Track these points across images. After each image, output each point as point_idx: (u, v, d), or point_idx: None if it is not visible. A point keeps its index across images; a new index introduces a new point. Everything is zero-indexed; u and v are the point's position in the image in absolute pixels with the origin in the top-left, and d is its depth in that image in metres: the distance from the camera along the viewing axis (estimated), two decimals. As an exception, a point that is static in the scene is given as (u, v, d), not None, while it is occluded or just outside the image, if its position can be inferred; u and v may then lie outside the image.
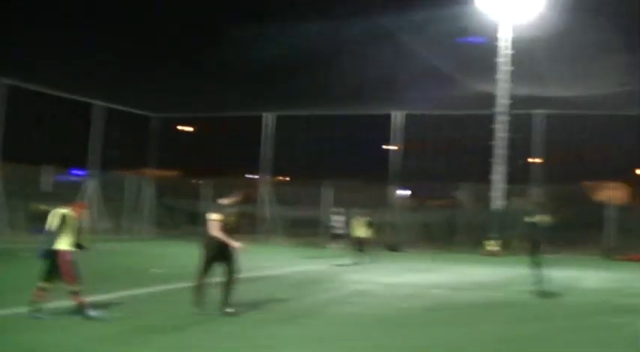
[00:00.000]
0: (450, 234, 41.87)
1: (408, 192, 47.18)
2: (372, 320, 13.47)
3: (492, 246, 38.49)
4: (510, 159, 40.53)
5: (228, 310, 12.56)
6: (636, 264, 34.34)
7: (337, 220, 33.17)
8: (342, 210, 33.28)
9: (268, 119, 45.36)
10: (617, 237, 40.12)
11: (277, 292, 16.06)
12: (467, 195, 41.52)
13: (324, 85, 47.70)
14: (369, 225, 29.20)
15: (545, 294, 18.71)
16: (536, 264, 20.44)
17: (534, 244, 21.25)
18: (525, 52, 39.43)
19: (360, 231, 28.82)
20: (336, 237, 33.06)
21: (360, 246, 28.63)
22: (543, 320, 14.14)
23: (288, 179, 52.84)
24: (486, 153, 40.44)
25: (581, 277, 24.88)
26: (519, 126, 40.85)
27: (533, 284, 19.39)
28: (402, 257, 34.89)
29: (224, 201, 13.08)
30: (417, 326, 13.01)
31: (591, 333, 12.76)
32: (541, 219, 21.12)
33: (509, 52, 39.92)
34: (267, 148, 45.38)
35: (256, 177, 47.17)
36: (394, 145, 43.11)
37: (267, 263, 24.26)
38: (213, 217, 12.68)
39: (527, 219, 21.06)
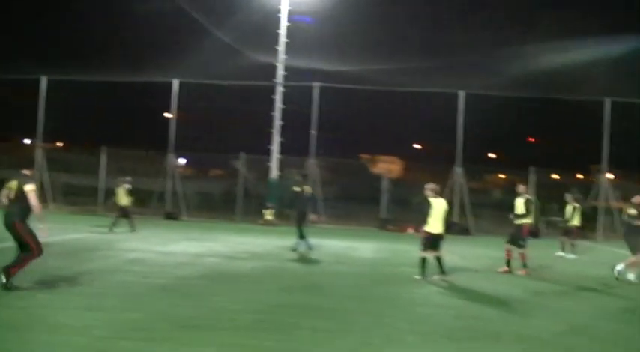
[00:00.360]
0: (229, 203, 41.84)
1: (184, 161, 46.71)
2: (144, 288, 13.25)
3: (269, 215, 38.77)
4: (289, 131, 40.80)
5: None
6: (406, 233, 35.63)
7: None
8: (130, 178, 32.39)
9: (43, 83, 43.29)
10: (391, 209, 41.37)
11: (50, 260, 15.31)
12: (246, 165, 41.47)
13: (105, 51, 46.32)
14: (130, 193, 28.58)
15: (317, 263, 19.05)
16: (301, 233, 21.03)
17: (299, 214, 21.72)
18: (304, 25, 39.85)
19: (124, 199, 28.18)
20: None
21: (124, 213, 28.02)
22: (314, 289, 14.49)
23: (61, 145, 51.06)
24: (267, 124, 40.58)
25: (357, 247, 25.47)
26: (298, 97, 41.24)
27: (301, 252, 19.93)
28: (181, 226, 34.52)
29: (27, 172, 12.55)
30: (190, 294, 12.91)
31: (367, 301, 12.99)
32: (303, 189, 21.59)
33: (287, 24, 40.14)
34: (42, 113, 43.34)
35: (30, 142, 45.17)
36: (173, 114, 42.33)
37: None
38: (33, 188, 12.22)
39: (293, 189, 21.61)
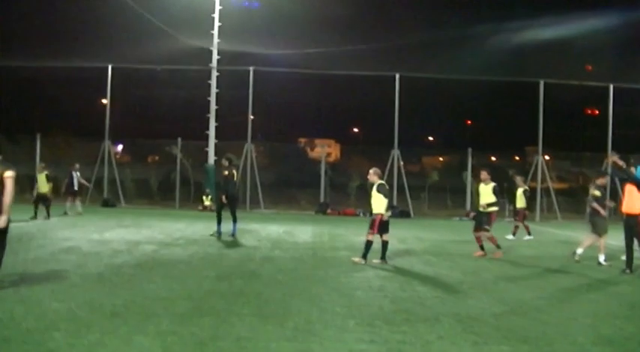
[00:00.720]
0: (167, 190, 41.54)
1: (120, 147, 46.19)
2: (78, 277, 13.01)
3: (208, 201, 38.54)
4: (226, 116, 40.58)
5: None
6: (346, 217, 35.69)
7: (75, 177, 31.62)
8: (78, 166, 31.89)
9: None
10: (330, 192, 41.46)
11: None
12: (183, 151, 41.14)
13: (36, 36, 45.51)
14: (49, 179, 28.23)
15: (255, 248, 19.04)
16: (233, 219, 21.17)
17: (230, 198, 21.73)
18: (241, 9, 39.66)
19: (45, 186, 27.81)
20: (73, 194, 31.51)
21: (45, 201, 27.65)
22: (251, 275, 14.39)
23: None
24: (204, 109, 40.24)
25: (295, 232, 25.45)
26: (235, 82, 41.02)
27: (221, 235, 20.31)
28: (118, 213, 34.11)
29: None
30: (124, 282, 12.71)
31: (305, 287, 12.92)
32: (232, 173, 21.63)
33: (219, 7, 39.81)
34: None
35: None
36: (108, 99, 41.69)
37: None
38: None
39: (224, 174, 21.69)
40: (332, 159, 59.10)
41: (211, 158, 40.07)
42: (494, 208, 19.32)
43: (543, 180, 40.63)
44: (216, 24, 39.86)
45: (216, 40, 39.99)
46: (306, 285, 13.08)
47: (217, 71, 40.20)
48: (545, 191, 41.10)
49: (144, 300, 10.93)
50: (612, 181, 29.71)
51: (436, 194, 44.50)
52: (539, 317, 10.81)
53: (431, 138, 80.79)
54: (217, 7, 39.83)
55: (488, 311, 11.00)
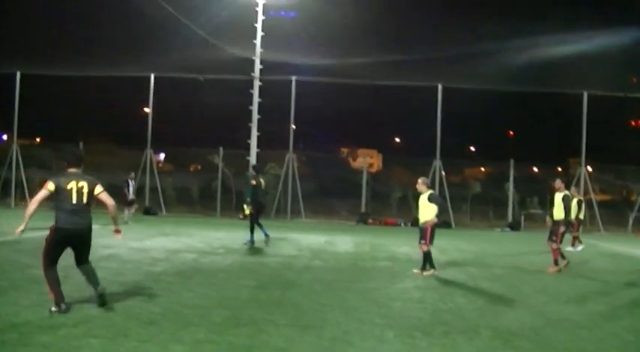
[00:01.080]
0: (208, 198, 41.69)
1: (163, 156, 46.49)
2: (117, 285, 12.97)
3: (248, 210, 38.52)
4: (268, 125, 40.62)
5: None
6: (387, 227, 35.57)
7: (132, 185, 31.81)
8: (133, 174, 32.15)
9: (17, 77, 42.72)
10: (371, 202, 41.37)
11: (21, 257, 15.02)
12: (225, 160, 41.27)
13: (80, 45, 45.94)
14: None
15: (295, 258, 18.99)
16: (258, 226, 21.16)
17: (257, 206, 21.74)
18: (281, 19, 39.75)
19: None
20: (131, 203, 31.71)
21: None
22: (290, 285, 14.34)
23: (38, 140, 50.69)
24: (246, 118, 40.32)
25: (336, 242, 25.37)
26: (277, 92, 41.10)
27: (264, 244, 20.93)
28: (159, 221, 34.28)
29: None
30: (163, 290, 12.66)
31: (343, 297, 12.86)
32: (259, 181, 21.64)
33: (262, 17, 39.90)
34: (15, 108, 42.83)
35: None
36: (151, 108, 41.95)
37: (5, 227, 22.83)
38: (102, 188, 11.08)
39: (250, 183, 21.72)
40: (374, 169, 58.96)
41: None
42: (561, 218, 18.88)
43: (586, 191, 40.19)
44: (259, 33, 39.98)
45: (258, 49, 40.11)
46: (344, 296, 12.99)
47: (260, 81, 40.31)
48: (588, 203, 40.64)
49: (181, 308, 10.94)
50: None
51: (478, 205, 44.24)
52: (580, 332, 10.63)
53: (472, 149, 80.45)
54: (260, 17, 39.98)
55: (527, 325, 10.83)
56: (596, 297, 14.34)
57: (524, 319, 11.37)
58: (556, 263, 18.50)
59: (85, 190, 10.63)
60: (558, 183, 19.33)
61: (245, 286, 13.56)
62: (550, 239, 18.76)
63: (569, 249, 25.27)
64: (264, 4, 40.14)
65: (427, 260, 16.66)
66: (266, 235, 22.17)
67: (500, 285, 15.39)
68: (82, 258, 10.88)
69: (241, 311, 10.96)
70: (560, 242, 18.97)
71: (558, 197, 18.95)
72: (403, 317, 11.18)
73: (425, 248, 16.63)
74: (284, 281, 14.48)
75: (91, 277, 10.88)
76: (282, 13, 42.26)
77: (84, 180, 10.72)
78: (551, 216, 19.28)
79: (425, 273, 16.54)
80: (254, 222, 22.32)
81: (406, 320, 10.92)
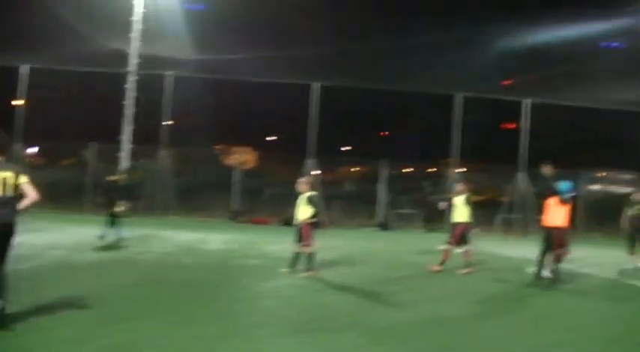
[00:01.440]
0: (78, 193, 40.86)
1: (35, 150, 45.28)
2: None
3: (120, 206, 38.01)
4: (141, 120, 39.99)
5: None
6: (259, 226, 35.64)
7: None
8: None
9: None
10: (244, 200, 41.34)
11: None
12: (97, 155, 40.49)
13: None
14: None
15: (166, 255, 18.95)
16: (113, 223, 21.43)
17: (109, 202, 21.58)
18: (160, 12, 39.12)
19: None
20: None
21: None
22: (160, 282, 14.39)
23: None
24: (117, 112, 39.59)
25: (207, 239, 25.29)
26: (151, 86, 40.53)
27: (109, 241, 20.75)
28: (28, 216, 33.34)
29: None
30: (33, 289, 12.36)
31: (214, 295, 12.92)
32: (119, 178, 21.55)
33: (142, 10, 39.20)
34: None
35: None
36: (20, 100, 40.78)
37: None
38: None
39: (107, 179, 21.59)
40: (247, 166, 58.87)
41: (125, 163, 39.52)
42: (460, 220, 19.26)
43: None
44: (136, 27, 39.26)
45: (134, 43, 39.41)
46: (216, 293, 13.10)
47: (135, 75, 39.66)
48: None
49: (52, 307, 10.81)
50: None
51: (350, 204, 44.71)
52: (449, 330, 11.02)
53: (346, 148, 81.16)
54: (138, 10, 39.25)
55: (397, 323, 11.17)
56: (467, 295, 14.80)
57: (394, 317, 11.69)
58: (442, 263, 18.82)
59: (10, 181, 9.70)
60: (460, 186, 19.78)
61: (117, 284, 13.47)
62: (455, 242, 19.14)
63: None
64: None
65: (310, 260, 16.70)
66: (103, 236, 21.79)
67: (370, 284, 15.69)
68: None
69: (115, 308, 10.94)
70: (462, 244, 19.24)
71: (459, 199, 19.33)
72: (273, 315, 11.36)
73: (308, 249, 16.68)
74: (156, 279, 14.46)
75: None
76: (188, 5, 41.76)
77: (8, 169, 9.71)
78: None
79: (307, 274, 16.49)
80: (111, 217, 22.06)
81: (276, 318, 11.11)
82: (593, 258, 22.65)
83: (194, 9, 41.99)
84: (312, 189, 17.27)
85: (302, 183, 17.13)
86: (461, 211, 19.12)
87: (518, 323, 11.82)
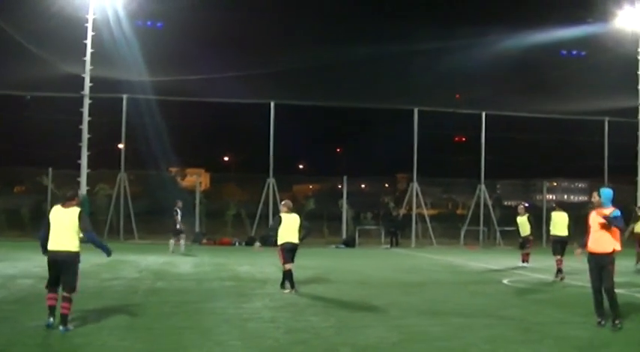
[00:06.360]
0: (39, 221, 40.14)
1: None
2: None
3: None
4: (98, 144, 39.51)
5: None
6: (223, 247, 35.28)
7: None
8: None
9: None
10: (205, 221, 41.02)
11: None
12: (55, 180, 39.82)
13: None
14: None
15: (138, 280, 18.63)
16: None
17: None
18: (115, 35, 38.72)
19: None
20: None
21: None
22: (137, 308, 13.98)
23: None
24: (76, 137, 39.03)
25: (175, 262, 24.96)
26: (107, 110, 40.13)
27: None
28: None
29: None
30: (2, 320, 12.15)
31: (195, 319, 12.64)
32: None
33: (92, 33, 38.76)
34: None
35: None
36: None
37: None
38: None
39: None
40: (202, 188, 58.62)
41: (84, 188, 38.92)
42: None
43: (418, 205, 41.22)
44: (89, 50, 38.76)
45: (88, 66, 38.89)
46: (196, 318, 12.82)
47: (90, 98, 39.12)
48: (420, 217, 41.70)
49: (24, 338, 10.54)
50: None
51: (312, 222, 44.42)
52: (438, 344, 10.85)
53: (302, 166, 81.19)
54: (90, 33, 38.77)
55: (385, 340, 11.02)
56: (449, 309, 14.70)
57: (381, 334, 11.53)
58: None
59: None
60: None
61: (91, 311, 13.06)
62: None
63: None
64: (94, 19, 38.97)
65: (286, 278, 16.87)
66: None
67: (349, 301, 15.55)
68: None
69: (90, 338, 10.58)
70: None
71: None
72: (259, 337, 11.13)
73: (286, 266, 16.91)
74: (132, 305, 14.08)
75: None
76: (150, 23, 41.41)
77: None
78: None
79: (285, 291, 16.70)
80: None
81: (263, 340, 10.88)
82: (568, 268, 22.65)
83: (152, 27, 41.64)
84: (291, 210, 17.46)
85: (284, 206, 17.56)
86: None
87: (505, 336, 11.65)
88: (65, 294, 11.36)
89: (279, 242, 17.05)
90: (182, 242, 30.09)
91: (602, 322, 12.20)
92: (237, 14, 48.50)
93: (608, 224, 11.88)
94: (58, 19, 36.98)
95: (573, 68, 44.58)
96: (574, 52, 46.90)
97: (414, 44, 45.48)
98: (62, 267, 11.60)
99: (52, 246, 11.58)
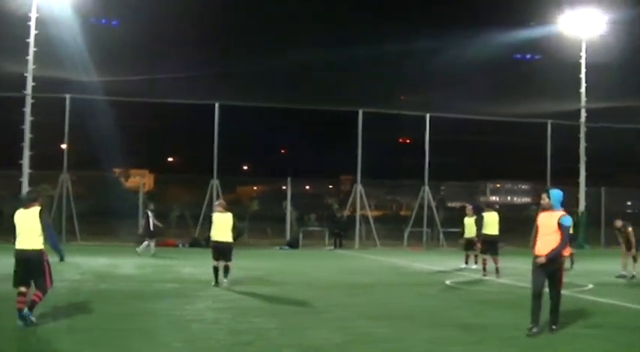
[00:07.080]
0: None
1: None
2: None
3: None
4: (41, 144, 39.00)
5: None
6: (167, 248, 35.02)
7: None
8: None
9: None
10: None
11: None
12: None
13: None
14: None
15: (81, 282, 18.49)
16: None
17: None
18: (55, 33, 38.24)
19: None
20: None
21: None
22: (81, 310, 13.89)
23: None
24: (17, 137, 38.51)
25: (119, 264, 24.83)
26: (50, 109, 39.62)
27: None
28: None
29: None
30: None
31: (139, 320, 12.62)
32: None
33: (35, 32, 38.23)
34: None
35: None
36: None
37: None
38: None
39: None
40: (146, 189, 58.21)
41: (26, 189, 38.38)
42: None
43: (362, 207, 41.37)
44: (32, 49, 38.24)
45: (31, 65, 38.36)
46: (141, 319, 12.82)
47: (32, 98, 38.60)
48: (364, 219, 41.85)
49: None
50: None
51: (256, 223, 44.41)
52: (383, 346, 10.96)
53: (246, 167, 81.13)
54: (32, 32, 38.24)
55: (330, 341, 11.08)
56: (394, 311, 14.84)
57: (325, 335, 11.61)
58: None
59: None
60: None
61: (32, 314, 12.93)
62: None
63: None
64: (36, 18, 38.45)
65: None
66: None
67: (293, 303, 15.65)
68: None
69: (32, 342, 10.50)
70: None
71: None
72: (203, 338, 11.16)
73: (213, 263, 18.03)
74: (74, 307, 13.98)
75: None
76: (104, 21, 41.04)
77: None
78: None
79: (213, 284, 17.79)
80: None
81: (206, 342, 10.92)
82: (513, 269, 22.99)
83: (106, 25, 41.35)
84: (226, 210, 18.18)
85: (219, 205, 18.50)
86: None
87: (448, 337, 11.79)
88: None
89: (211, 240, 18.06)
90: (152, 244, 29.89)
91: (534, 330, 11.64)
92: (193, 14, 48.33)
93: (562, 232, 11.59)
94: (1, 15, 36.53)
95: (523, 71, 45.26)
96: (528, 56, 47.65)
97: (360, 47, 45.84)
98: (29, 265, 12.13)
99: (19, 245, 12.23)
